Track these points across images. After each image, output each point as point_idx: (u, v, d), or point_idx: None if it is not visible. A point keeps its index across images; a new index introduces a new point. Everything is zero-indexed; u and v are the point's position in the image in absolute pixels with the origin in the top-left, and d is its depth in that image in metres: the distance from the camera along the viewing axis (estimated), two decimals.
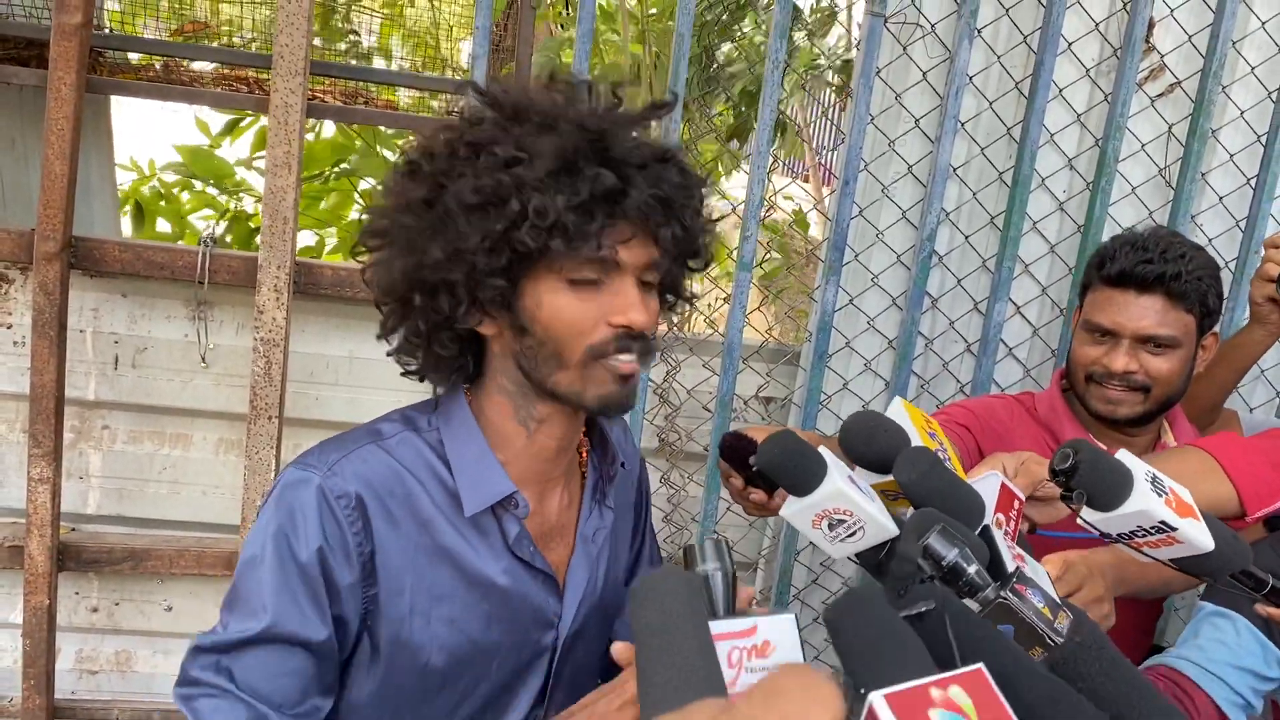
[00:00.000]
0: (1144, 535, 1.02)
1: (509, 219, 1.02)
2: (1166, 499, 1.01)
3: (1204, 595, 1.48)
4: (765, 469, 0.97)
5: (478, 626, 1.17)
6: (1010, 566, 0.94)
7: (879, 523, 0.96)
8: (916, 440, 1.11)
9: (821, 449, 0.99)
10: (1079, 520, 1.05)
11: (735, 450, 1.31)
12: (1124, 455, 1.04)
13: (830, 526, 0.95)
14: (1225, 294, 2.40)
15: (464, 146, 1.05)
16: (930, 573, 0.86)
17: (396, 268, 1.08)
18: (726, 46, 4.07)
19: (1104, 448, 1.74)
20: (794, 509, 0.96)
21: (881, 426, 1.08)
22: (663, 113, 1.16)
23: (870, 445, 1.06)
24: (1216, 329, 1.77)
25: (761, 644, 0.78)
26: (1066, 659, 0.87)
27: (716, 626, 0.77)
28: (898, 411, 1.17)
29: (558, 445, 1.19)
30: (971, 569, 0.85)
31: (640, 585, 0.69)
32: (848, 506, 0.94)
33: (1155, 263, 1.65)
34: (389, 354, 1.16)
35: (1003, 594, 0.89)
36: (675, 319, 2.41)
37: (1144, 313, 1.66)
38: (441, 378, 1.18)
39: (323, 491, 1.08)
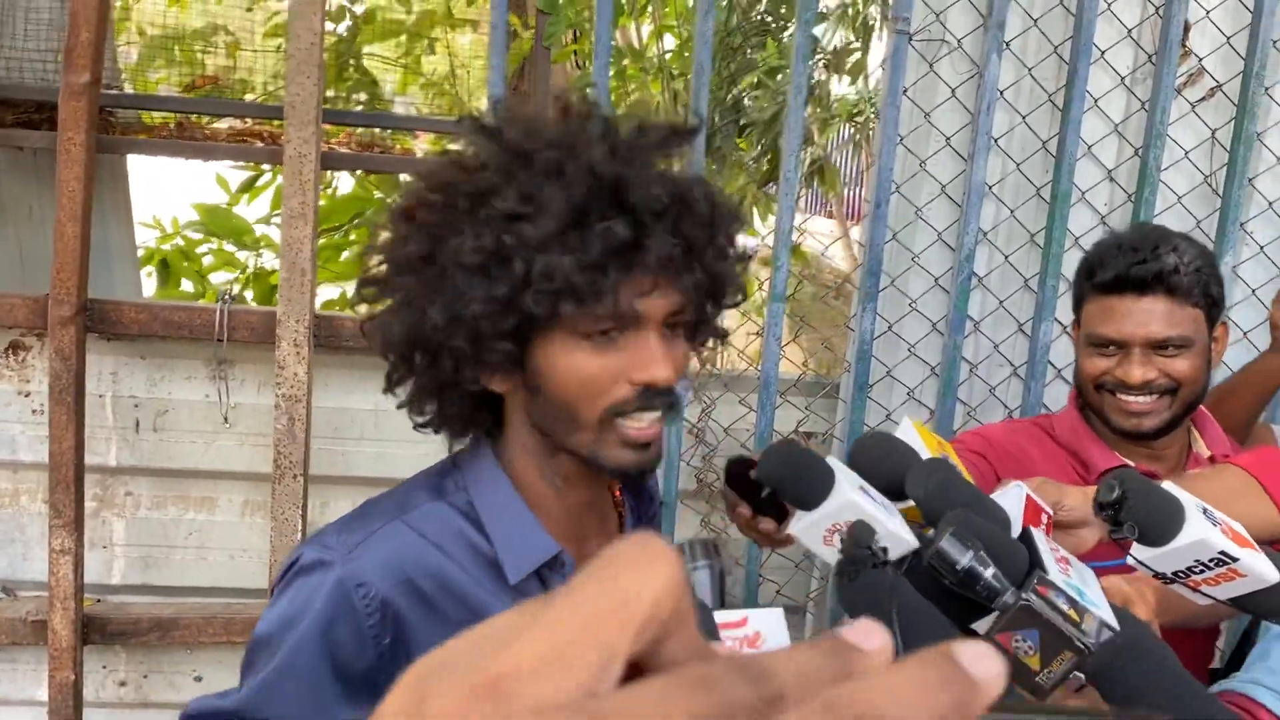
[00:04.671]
0: (1202, 571, 0.95)
1: (513, 282, 0.92)
2: (1221, 529, 0.94)
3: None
4: (765, 481, 0.91)
5: None
6: (1053, 569, 0.87)
7: (897, 536, 0.88)
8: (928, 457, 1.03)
9: (830, 459, 0.92)
10: (1129, 559, 0.97)
11: (742, 477, 1.23)
12: (1171, 486, 0.96)
13: (843, 541, 0.87)
14: None
15: (463, 197, 0.96)
16: (948, 579, 0.80)
17: (396, 326, 1.00)
18: (751, 77, 4.02)
19: (1131, 463, 1.66)
20: (802, 524, 0.90)
21: (892, 449, 1.01)
22: (685, 140, 1.05)
23: (881, 468, 0.99)
24: (1225, 319, 1.66)
25: (753, 635, 0.76)
26: (1104, 662, 0.79)
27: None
28: (908, 432, 1.10)
29: (589, 499, 1.11)
30: (988, 573, 0.79)
31: None
32: (861, 519, 0.87)
33: (1149, 261, 1.53)
34: (399, 407, 1.08)
35: (1024, 596, 0.81)
36: (706, 355, 2.33)
37: (1149, 316, 1.54)
38: (457, 432, 1.09)
39: (340, 581, 0.99)
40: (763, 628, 0.76)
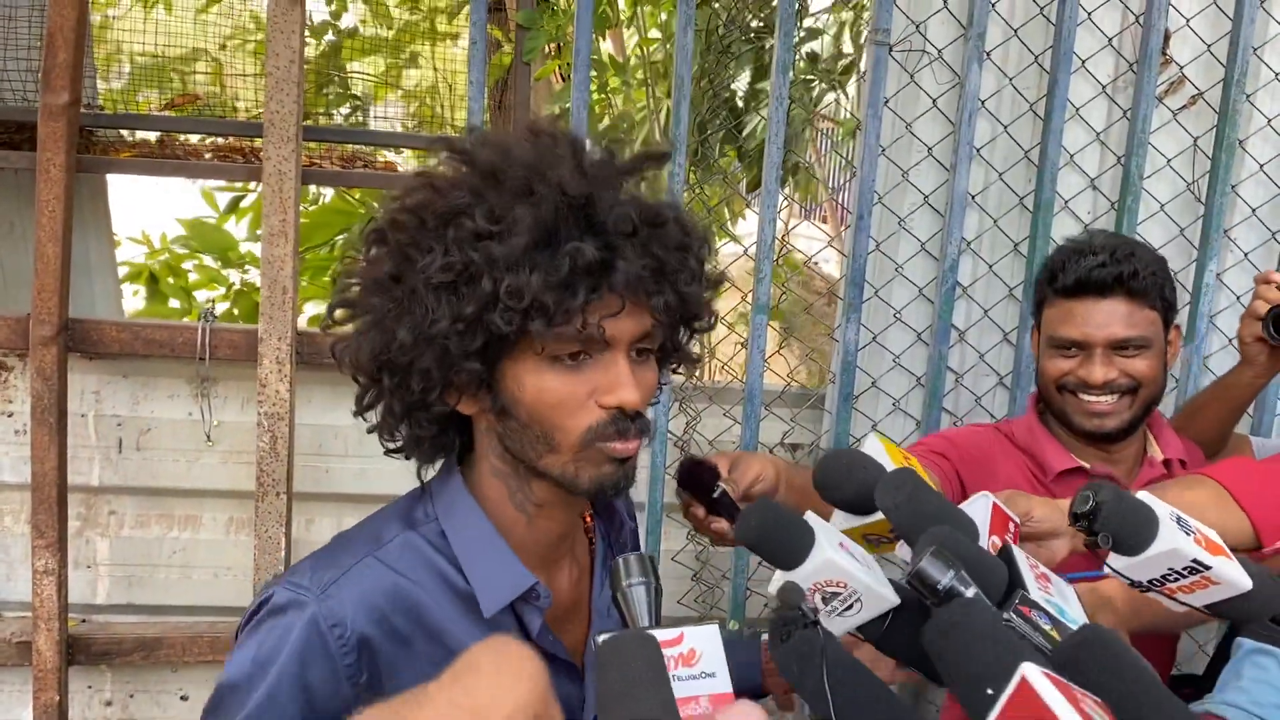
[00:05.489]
0: (1176, 579, 0.96)
1: (481, 300, 0.91)
2: (1195, 538, 0.95)
3: (1240, 631, 1.38)
4: (745, 543, 0.90)
5: None
6: (1032, 586, 0.87)
7: (877, 593, 0.88)
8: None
9: (809, 515, 0.91)
10: (1106, 567, 0.98)
11: (694, 477, 1.23)
12: (1145, 495, 0.97)
13: (824, 600, 0.87)
14: None
15: (433, 216, 0.95)
16: (929, 600, 0.79)
17: (364, 346, 0.98)
18: (741, 84, 4.01)
19: (1086, 464, 1.68)
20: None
21: (858, 463, 1.01)
22: (656, 165, 1.05)
23: (847, 482, 0.99)
24: (1178, 323, 1.73)
25: (688, 652, 0.75)
26: (1066, 662, 0.79)
27: None
28: (874, 447, 1.10)
29: (561, 529, 1.09)
30: (969, 593, 0.78)
31: (601, 649, 0.65)
32: (841, 577, 0.87)
33: (1109, 265, 1.61)
34: (369, 431, 1.07)
35: (1005, 616, 0.82)
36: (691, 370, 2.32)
37: (1110, 318, 1.61)
38: (425, 456, 1.08)
39: (315, 620, 0.96)
40: (698, 645, 0.75)
